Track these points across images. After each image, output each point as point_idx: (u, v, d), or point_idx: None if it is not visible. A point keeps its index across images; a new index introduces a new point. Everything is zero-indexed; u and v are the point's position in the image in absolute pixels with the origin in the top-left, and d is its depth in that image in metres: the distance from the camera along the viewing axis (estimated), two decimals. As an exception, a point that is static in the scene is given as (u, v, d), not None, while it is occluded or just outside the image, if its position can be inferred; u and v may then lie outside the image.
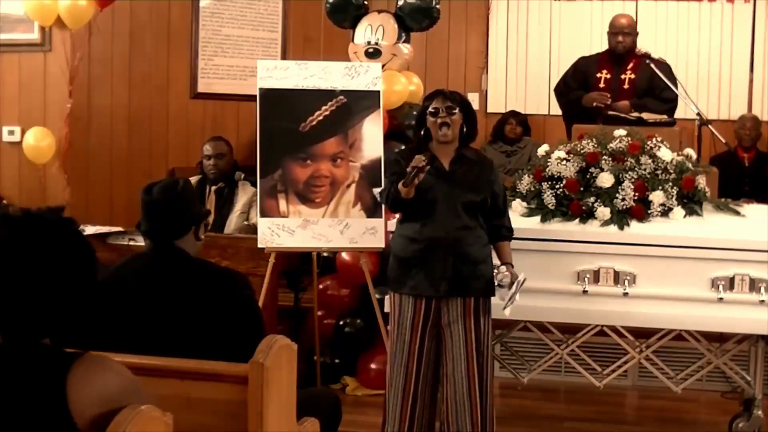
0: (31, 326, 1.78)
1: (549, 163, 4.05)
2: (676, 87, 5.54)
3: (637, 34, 5.84)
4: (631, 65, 5.70)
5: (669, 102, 5.54)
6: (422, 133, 3.66)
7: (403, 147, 5.07)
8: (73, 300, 1.81)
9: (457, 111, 3.60)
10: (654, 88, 5.59)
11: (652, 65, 5.46)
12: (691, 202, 3.98)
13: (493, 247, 3.66)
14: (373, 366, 5.01)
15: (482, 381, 3.57)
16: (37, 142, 5.69)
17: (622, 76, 5.69)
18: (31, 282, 1.76)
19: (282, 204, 4.55)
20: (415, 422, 3.63)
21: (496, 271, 3.59)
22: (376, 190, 4.59)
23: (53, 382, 1.72)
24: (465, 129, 3.65)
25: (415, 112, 5.09)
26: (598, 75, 5.76)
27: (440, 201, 3.55)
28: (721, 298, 3.76)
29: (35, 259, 1.77)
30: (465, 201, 3.56)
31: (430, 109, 3.61)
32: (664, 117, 5.31)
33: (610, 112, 5.27)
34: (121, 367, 1.84)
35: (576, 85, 5.88)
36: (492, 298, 3.62)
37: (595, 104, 5.63)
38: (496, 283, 3.58)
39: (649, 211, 3.89)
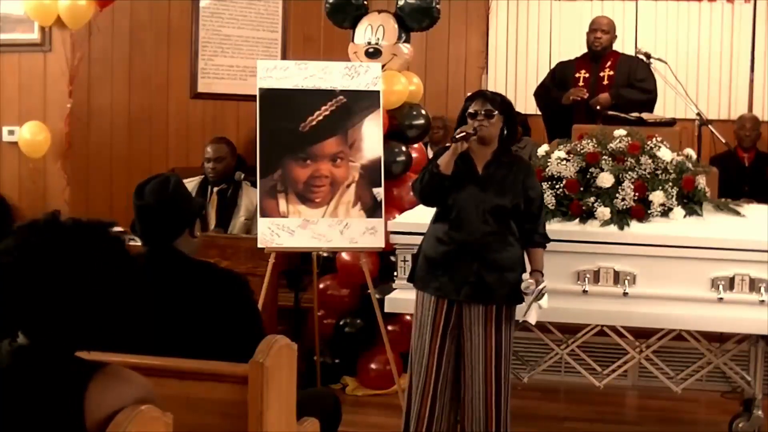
0: (63, 335, 1.77)
1: (549, 163, 4.05)
2: (654, 79, 5.65)
3: (616, 36, 5.90)
4: (609, 63, 5.75)
5: (648, 92, 5.60)
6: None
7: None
8: (108, 314, 1.81)
9: (496, 114, 3.53)
10: (633, 81, 5.66)
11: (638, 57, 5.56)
12: (691, 202, 3.98)
13: (525, 252, 3.60)
14: (373, 366, 5.01)
15: (499, 387, 3.53)
16: (33, 137, 5.70)
17: (601, 74, 5.74)
18: (72, 292, 1.75)
19: (282, 204, 4.54)
20: (434, 422, 3.60)
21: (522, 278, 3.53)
22: (377, 191, 4.59)
23: (73, 393, 1.72)
24: (506, 131, 3.59)
25: (415, 112, 5.15)
26: (577, 75, 5.81)
27: (469, 204, 3.49)
28: (721, 298, 3.76)
29: (80, 269, 1.76)
30: (493, 206, 3.50)
31: (469, 110, 3.54)
32: (665, 117, 5.33)
33: (602, 110, 5.31)
34: (140, 378, 1.84)
35: (554, 87, 5.90)
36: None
37: (572, 98, 5.67)
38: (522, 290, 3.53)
39: (649, 211, 3.89)
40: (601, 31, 5.81)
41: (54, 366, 1.76)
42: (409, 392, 3.67)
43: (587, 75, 5.78)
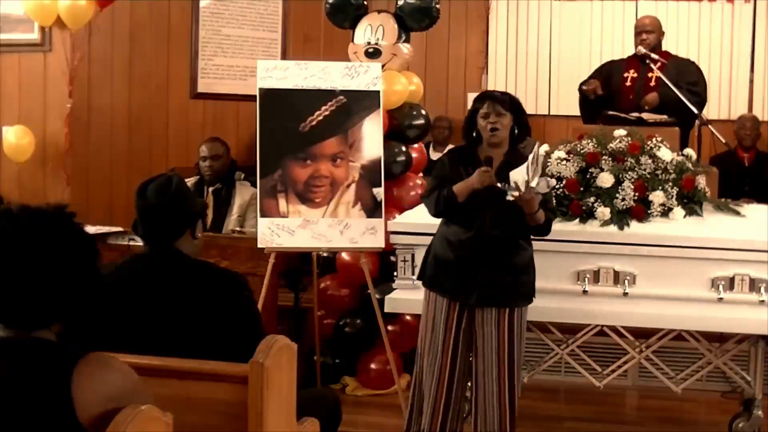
0: (36, 318, 1.80)
1: (549, 163, 4.05)
2: (705, 83, 5.59)
3: (663, 33, 5.80)
4: (658, 64, 5.62)
5: (696, 96, 5.48)
6: (474, 135, 3.60)
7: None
8: (75, 292, 1.84)
9: (507, 114, 3.55)
10: (683, 84, 5.52)
11: (653, 66, 5.46)
12: (691, 202, 3.98)
13: None
14: (373, 366, 5.01)
15: (512, 389, 3.55)
16: (18, 140, 5.70)
17: (649, 74, 5.63)
18: (32, 275, 1.79)
19: (282, 204, 4.54)
20: (449, 416, 3.61)
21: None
22: (377, 191, 4.59)
23: (59, 379, 1.74)
24: (516, 131, 3.59)
25: (415, 112, 5.15)
26: (625, 75, 5.69)
27: (484, 207, 3.47)
28: (721, 298, 3.76)
29: (35, 252, 1.80)
30: (509, 209, 3.45)
31: (480, 112, 3.55)
32: (664, 117, 5.32)
33: (640, 114, 5.25)
34: (125, 366, 1.86)
35: (599, 84, 5.82)
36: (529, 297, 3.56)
37: (591, 94, 5.56)
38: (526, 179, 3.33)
39: (649, 211, 3.89)
40: (645, 33, 5.68)
41: (37, 355, 1.77)
42: (416, 391, 3.68)
43: (635, 75, 5.69)
